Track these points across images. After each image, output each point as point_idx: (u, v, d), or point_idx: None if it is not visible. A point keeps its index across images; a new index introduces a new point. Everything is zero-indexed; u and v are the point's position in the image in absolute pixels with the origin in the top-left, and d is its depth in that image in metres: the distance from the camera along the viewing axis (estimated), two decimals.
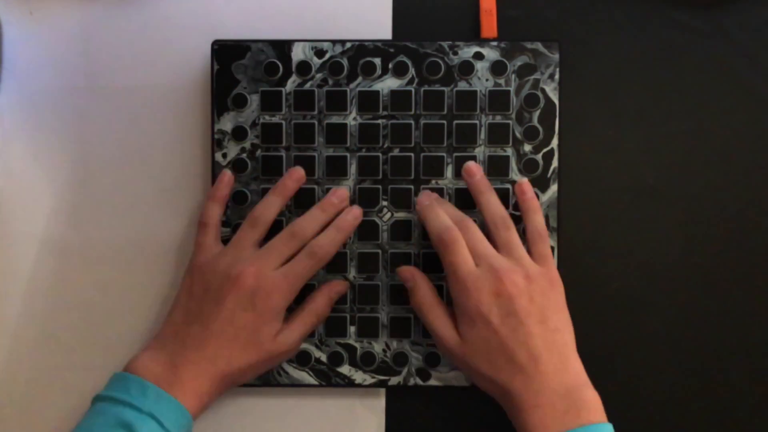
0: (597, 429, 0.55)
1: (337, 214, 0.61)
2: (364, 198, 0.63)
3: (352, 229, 0.61)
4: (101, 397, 0.58)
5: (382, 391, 0.65)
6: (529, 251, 0.59)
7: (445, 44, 0.63)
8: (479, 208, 0.60)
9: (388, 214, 0.63)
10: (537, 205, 0.61)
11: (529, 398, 0.56)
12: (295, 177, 0.62)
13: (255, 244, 0.61)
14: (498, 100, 0.63)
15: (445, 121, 0.63)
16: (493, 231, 0.59)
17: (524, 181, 0.61)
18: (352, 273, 0.63)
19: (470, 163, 0.61)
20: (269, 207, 0.61)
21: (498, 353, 0.56)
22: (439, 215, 0.59)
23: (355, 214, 0.62)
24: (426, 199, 0.61)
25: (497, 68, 0.63)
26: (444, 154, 0.63)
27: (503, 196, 0.62)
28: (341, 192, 0.62)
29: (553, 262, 0.59)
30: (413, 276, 0.61)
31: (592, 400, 0.56)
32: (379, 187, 0.63)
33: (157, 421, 0.55)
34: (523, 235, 0.60)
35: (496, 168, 0.63)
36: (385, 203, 0.63)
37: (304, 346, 0.63)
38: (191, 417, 0.57)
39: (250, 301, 0.58)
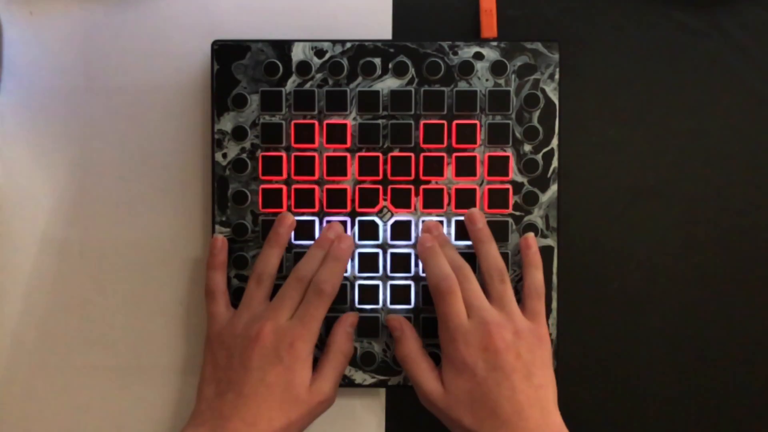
0: None
1: None
2: (364, 198, 0.63)
3: (348, 255, 0.61)
4: None
5: (382, 391, 0.65)
6: (522, 305, 0.60)
7: (445, 44, 0.63)
8: (478, 257, 0.61)
9: (388, 214, 0.63)
10: (539, 260, 0.61)
11: None
12: (286, 224, 0.62)
13: (265, 299, 0.61)
14: (498, 100, 0.63)
15: (445, 121, 0.63)
16: (488, 282, 0.60)
17: (530, 236, 0.62)
18: (352, 273, 0.63)
19: (474, 211, 0.62)
20: (269, 259, 0.61)
21: (481, 406, 0.56)
22: (440, 263, 0.60)
23: (348, 241, 0.62)
24: (428, 241, 0.61)
25: (497, 68, 0.63)
26: (444, 154, 0.63)
27: (502, 195, 0.62)
28: (336, 227, 0.62)
29: (544, 319, 0.60)
30: (401, 326, 0.61)
31: None
32: (379, 187, 0.63)
33: None
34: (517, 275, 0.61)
35: (496, 168, 0.63)
36: (385, 203, 0.63)
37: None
38: None
39: (276, 355, 0.58)
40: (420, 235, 0.62)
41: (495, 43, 0.63)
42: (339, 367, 0.61)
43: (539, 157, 0.63)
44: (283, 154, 0.63)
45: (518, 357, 0.57)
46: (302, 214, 0.63)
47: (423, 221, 0.62)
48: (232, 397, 0.58)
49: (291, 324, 0.59)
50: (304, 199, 0.63)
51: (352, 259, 0.63)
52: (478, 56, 0.63)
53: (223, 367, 0.59)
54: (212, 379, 0.60)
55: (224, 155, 0.63)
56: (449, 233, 0.63)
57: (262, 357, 0.58)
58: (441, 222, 0.63)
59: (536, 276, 0.61)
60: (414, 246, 0.63)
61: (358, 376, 0.63)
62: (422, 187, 0.63)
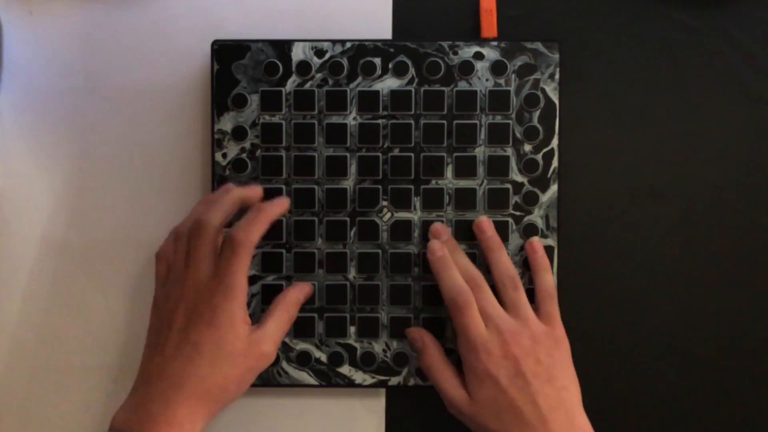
0: None
1: None
2: (364, 198, 0.63)
3: (274, 212, 0.60)
4: None
5: (382, 391, 0.65)
6: (536, 309, 0.60)
7: (445, 44, 0.63)
8: (489, 265, 0.61)
9: (388, 214, 0.63)
10: (547, 263, 0.62)
11: None
12: (228, 191, 0.60)
13: (185, 257, 0.59)
14: (498, 100, 0.63)
15: (445, 121, 0.63)
16: (501, 290, 0.60)
17: (535, 240, 0.62)
18: (352, 273, 0.63)
19: (483, 220, 0.62)
20: (190, 217, 0.60)
21: (507, 412, 0.57)
22: (453, 276, 0.60)
23: (281, 202, 0.61)
24: (438, 250, 0.61)
25: (497, 68, 0.63)
26: (444, 154, 0.63)
27: (502, 195, 0.62)
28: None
29: (559, 321, 0.60)
30: (422, 337, 0.62)
31: None
32: (379, 187, 0.63)
33: None
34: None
35: (496, 168, 0.63)
36: (385, 203, 0.63)
37: (305, 346, 0.63)
38: None
39: (197, 314, 0.57)
40: (429, 240, 0.62)
41: (495, 43, 0.63)
42: (281, 323, 0.59)
43: (539, 157, 0.63)
44: (283, 154, 0.63)
45: (538, 362, 0.58)
46: (302, 214, 0.63)
47: (431, 225, 0.63)
48: (159, 360, 0.57)
49: (209, 282, 0.57)
50: (304, 199, 0.63)
51: (352, 259, 0.63)
52: (478, 56, 0.63)
53: (155, 331, 0.58)
54: (147, 345, 0.59)
55: (224, 155, 0.63)
56: (450, 234, 0.63)
57: (185, 317, 0.57)
58: (442, 222, 0.63)
59: (546, 279, 0.61)
60: (416, 245, 0.63)
61: (358, 376, 0.63)
62: (422, 187, 0.63)
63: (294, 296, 0.61)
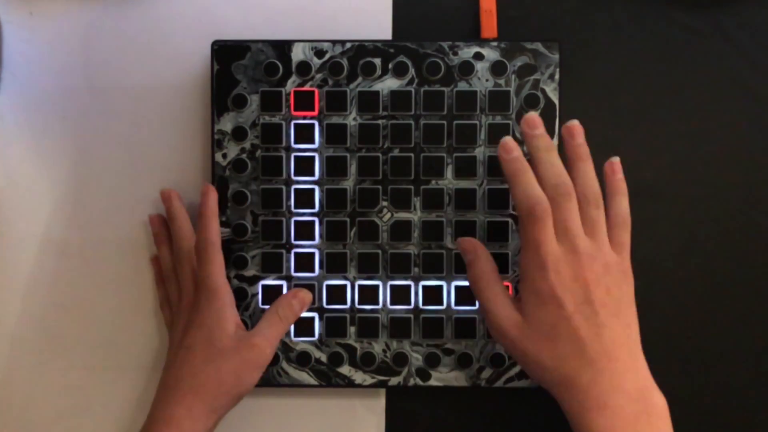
0: None
1: None
2: (364, 198, 0.63)
3: (212, 207, 0.61)
4: None
5: (382, 391, 0.65)
6: (609, 235, 0.56)
7: (445, 44, 0.63)
8: (573, 176, 0.55)
9: (388, 214, 0.63)
10: (625, 187, 0.57)
11: (597, 397, 0.51)
12: (158, 223, 0.65)
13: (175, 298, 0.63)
14: (498, 100, 0.63)
15: (445, 122, 0.63)
16: (582, 204, 0.55)
17: (616, 160, 0.57)
18: (352, 273, 0.63)
19: (575, 123, 0.56)
20: (165, 255, 0.64)
21: (566, 341, 0.52)
22: (531, 182, 0.54)
23: (210, 195, 0.61)
24: (514, 149, 0.55)
25: (497, 68, 0.63)
26: (444, 155, 0.63)
27: (502, 196, 0.62)
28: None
29: (629, 252, 0.56)
30: (475, 248, 0.57)
31: (661, 406, 0.53)
32: (379, 187, 0.63)
33: None
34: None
35: (496, 168, 0.63)
36: (385, 203, 0.63)
37: (305, 346, 0.63)
38: None
39: (189, 322, 0.60)
40: (500, 145, 0.56)
41: (495, 43, 0.63)
42: (273, 325, 0.60)
43: None
44: (283, 154, 0.63)
45: (608, 292, 0.53)
46: (302, 214, 0.63)
47: (525, 116, 0.56)
48: (163, 376, 0.60)
49: (195, 292, 0.61)
50: (304, 200, 0.63)
51: (352, 259, 0.63)
52: (478, 56, 0.63)
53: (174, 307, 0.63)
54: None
55: (224, 155, 0.63)
56: (450, 234, 0.63)
57: (183, 331, 0.60)
58: (442, 222, 0.63)
59: (622, 204, 0.56)
60: (416, 245, 0.63)
61: (358, 376, 0.63)
62: (422, 187, 0.63)
63: (285, 301, 0.62)
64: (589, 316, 0.53)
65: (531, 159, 0.56)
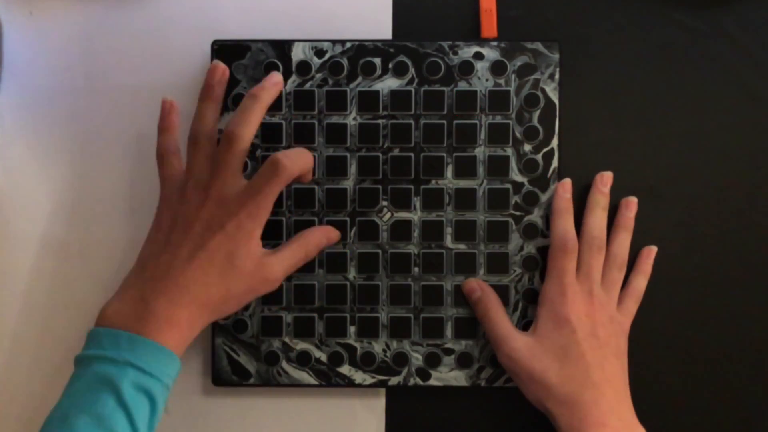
0: None
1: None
2: (364, 198, 0.63)
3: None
4: (79, 359, 0.56)
5: (382, 391, 0.65)
6: (621, 299, 0.62)
7: (445, 44, 0.63)
8: (612, 240, 0.63)
9: (388, 214, 0.63)
10: (649, 269, 0.64)
11: (598, 416, 0.57)
12: (218, 76, 0.61)
13: (207, 159, 0.58)
14: (498, 100, 0.63)
15: (445, 121, 0.63)
16: (609, 265, 0.62)
17: (653, 250, 0.64)
18: (352, 273, 0.63)
19: (633, 200, 0.63)
20: (203, 115, 0.60)
21: (574, 362, 0.58)
22: (569, 222, 0.61)
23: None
24: (568, 192, 0.62)
25: (497, 68, 0.63)
26: (444, 154, 0.63)
27: (502, 195, 0.62)
28: (274, 77, 0.61)
29: (631, 320, 0.62)
30: (481, 287, 0.62)
31: None
32: (379, 187, 0.63)
33: (135, 367, 0.53)
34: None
35: (496, 168, 0.63)
36: (385, 203, 0.63)
37: (305, 346, 0.63)
38: (172, 353, 0.55)
39: (219, 222, 0.56)
40: (558, 186, 0.62)
41: (495, 43, 0.63)
42: (296, 257, 0.60)
43: (539, 157, 0.63)
44: None
45: (609, 336, 0.60)
46: (302, 214, 0.63)
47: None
48: (166, 258, 0.57)
49: (237, 193, 0.57)
50: (304, 199, 0.63)
51: (352, 259, 0.63)
52: (478, 56, 0.63)
53: (165, 230, 0.58)
54: (152, 240, 0.58)
55: None
56: (450, 234, 0.63)
57: (206, 222, 0.57)
58: (442, 222, 0.63)
59: (641, 282, 0.63)
60: (416, 245, 0.63)
61: (358, 376, 0.63)
62: (422, 187, 0.63)
63: (316, 237, 0.61)
64: (595, 347, 0.59)
65: (587, 207, 0.63)
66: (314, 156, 0.62)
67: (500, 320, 0.61)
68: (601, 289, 0.61)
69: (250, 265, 0.57)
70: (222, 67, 0.61)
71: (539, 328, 0.60)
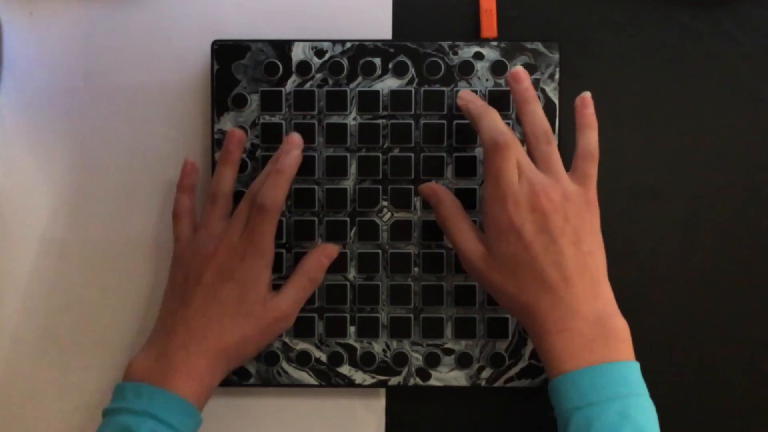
0: (623, 367, 0.54)
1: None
2: (364, 198, 0.63)
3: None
4: (105, 412, 0.57)
5: (382, 391, 0.65)
6: (573, 167, 0.58)
7: (445, 44, 0.63)
8: (522, 119, 0.58)
9: (388, 214, 0.63)
10: (595, 121, 0.58)
11: (556, 321, 0.54)
12: (234, 140, 0.62)
13: (221, 218, 0.61)
14: (498, 100, 0.63)
15: (445, 121, 0.63)
16: (533, 144, 0.57)
17: (587, 95, 0.59)
18: (352, 273, 0.63)
19: (519, 69, 0.59)
20: (222, 178, 0.61)
21: (527, 270, 0.55)
22: (495, 119, 0.57)
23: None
24: (477, 100, 0.59)
25: (497, 68, 0.63)
26: (444, 154, 0.63)
27: None
28: (291, 139, 0.61)
29: (594, 184, 0.57)
30: (435, 192, 0.60)
31: (621, 329, 0.55)
32: (379, 187, 0.63)
33: (154, 417, 0.55)
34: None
35: None
36: (385, 203, 0.63)
37: (305, 346, 0.63)
38: (191, 404, 0.57)
39: (227, 272, 0.58)
40: (458, 98, 0.60)
41: (495, 43, 0.63)
42: (301, 290, 0.61)
43: None
44: None
45: (566, 220, 0.55)
46: (302, 214, 0.63)
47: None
48: (182, 313, 0.58)
49: (241, 241, 0.59)
50: (304, 199, 0.63)
51: (352, 259, 0.63)
52: (478, 56, 0.63)
53: (179, 286, 0.59)
54: (168, 298, 0.60)
55: None
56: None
57: (215, 273, 0.58)
58: None
59: (591, 137, 0.58)
60: (416, 245, 0.63)
61: (358, 376, 0.63)
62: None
63: (314, 261, 0.61)
64: (547, 245, 0.54)
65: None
66: (302, 152, 0.62)
67: (456, 227, 0.58)
68: (540, 173, 0.56)
69: (260, 309, 0.59)
70: (239, 134, 0.62)
71: (489, 239, 0.56)
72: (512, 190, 0.55)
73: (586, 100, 0.59)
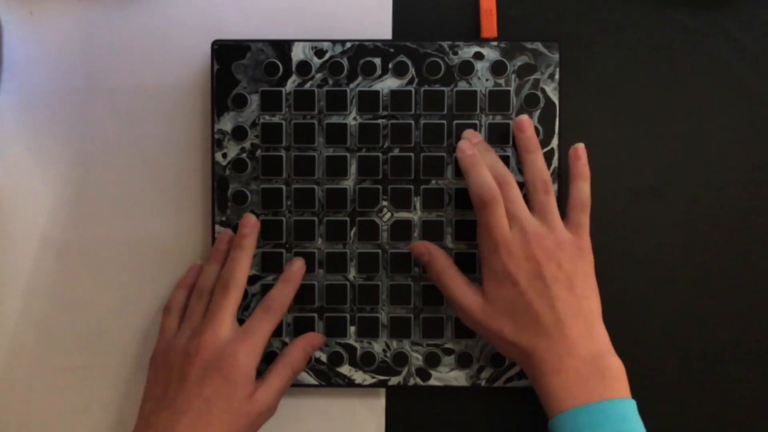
0: (619, 405, 0.55)
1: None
2: (364, 198, 0.63)
3: (299, 277, 0.62)
4: None
5: (382, 391, 0.65)
6: (566, 217, 0.60)
7: (445, 44, 0.63)
8: (523, 166, 0.60)
9: (388, 214, 0.63)
10: (587, 172, 0.61)
11: (552, 362, 0.56)
12: (227, 240, 0.62)
13: (204, 312, 0.61)
14: (498, 100, 0.63)
15: (445, 121, 0.63)
16: (532, 193, 0.60)
17: (580, 146, 0.61)
18: (352, 273, 0.63)
19: (524, 118, 0.61)
20: (211, 276, 0.62)
21: (523, 314, 0.56)
22: (482, 172, 0.59)
23: (299, 264, 0.62)
24: (468, 149, 0.60)
25: (497, 68, 0.63)
26: (444, 154, 0.63)
27: None
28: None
29: (586, 232, 0.59)
30: (427, 249, 0.61)
31: (616, 367, 0.56)
32: (379, 187, 0.63)
33: None
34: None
35: None
36: (385, 203, 0.63)
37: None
38: None
39: (216, 367, 0.57)
40: (457, 147, 0.61)
41: (495, 43, 0.63)
42: (284, 380, 0.60)
43: None
44: (283, 154, 0.63)
45: (560, 267, 0.57)
46: (302, 214, 0.63)
47: (465, 130, 0.62)
48: (167, 414, 0.57)
49: (234, 336, 0.59)
50: (304, 199, 0.63)
51: (352, 259, 0.63)
52: (478, 56, 0.63)
53: (162, 384, 0.58)
54: (150, 396, 0.59)
55: (224, 155, 0.63)
56: (450, 234, 0.63)
57: (201, 370, 0.57)
58: (442, 222, 0.63)
59: (583, 188, 0.60)
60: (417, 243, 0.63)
61: (358, 376, 0.63)
62: (422, 187, 0.63)
63: (300, 352, 0.62)
64: (541, 291, 0.57)
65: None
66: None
67: (452, 281, 0.60)
68: (535, 221, 0.58)
69: (247, 405, 0.58)
70: (230, 235, 0.62)
71: (486, 287, 0.58)
72: (504, 240, 0.58)
73: (579, 151, 0.61)
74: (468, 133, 0.62)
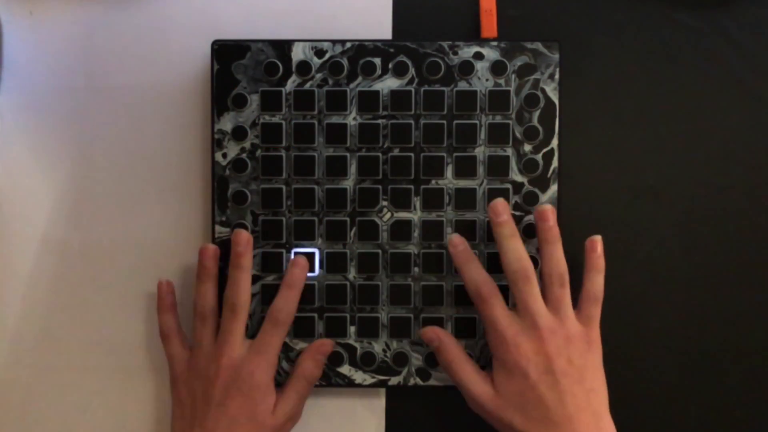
0: None
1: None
2: (364, 198, 0.63)
3: (302, 281, 0.62)
4: None
5: (382, 391, 0.65)
6: (578, 308, 0.60)
7: (445, 44, 0.63)
8: (541, 257, 0.60)
9: (388, 214, 0.63)
10: (602, 264, 0.60)
11: None
12: (209, 255, 0.62)
13: (212, 334, 0.62)
14: (498, 100, 0.63)
15: (445, 121, 0.63)
16: (547, 284, 0.59)
17: (597, 239, 0.61)
18: (352, 273, 0.63)
19: (547, 208, 0.60)
20: (206, 295, 0.62)
21: (533, 407, 0.57)
22: (475, 268, 0.60)
23: (301, 264, 0.62)
24: (459, 243, 0.61)
25: (497, 68, 0.63)
26: (444, 154, 0.63)
27: (502, 195, 0.62)
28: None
29: (597, 324, 0.60)
30: (438, 336, 0.61)
31: None
32: (379, 187, 0.63)
33: None
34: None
35: (496, 168, 0.63)
36: (385, 203, 0.63)
37: (305, 346, 0.63)
38: None
39: (236, 387, 0.59)
40: (449, 242, 0.61)
41: (495, 43, 0.63)
42: (302, 391, 0.62)
43: (539, 157, 0.63)
44: (283, 154, 0.63)
45: (570, 362, 0.58)
46: (302, 214, 0.63)
47: (493, 201, 0.60)
48: None
49: (248, 355, 0.60)
50: (304, 199, 0.63)
51: (352, 259, 0.63)
52: (478, 56, 0.63)
53: (189, 406, 0.61)
54: (179, 416, 0.61)
55: (224, 155, 0.63)
56: (450, 234, 0.63)
57: (223, 391, 0.59)
58: (442, 222, 0.63)
59: (597, 281, 0.60)
60: (416, 245, 0.63)
61: (358, 376, 0.63)
62: (422, 187, 0.63)
63: (311, 362, 0.62)
64: (551, 385, 0.57)
65: (497, 243, 0.60)
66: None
67: (462, 370, 0.60)
68: (548, 314, 0.58)
69: (270, 419, 0.60)
70: (212, 248, 0.62)
71: (496, 379, 0.59)
72: (512, 333, 0.58)
73: (595, 243, 0.61)
74: (496, 207, 0.60)
